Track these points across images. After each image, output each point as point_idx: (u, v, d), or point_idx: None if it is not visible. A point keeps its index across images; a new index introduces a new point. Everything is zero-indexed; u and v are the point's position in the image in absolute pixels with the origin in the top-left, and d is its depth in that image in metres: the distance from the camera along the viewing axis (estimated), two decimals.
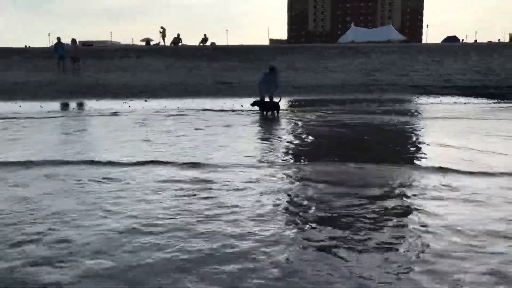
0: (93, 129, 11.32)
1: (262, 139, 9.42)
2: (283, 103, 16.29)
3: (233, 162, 6.87)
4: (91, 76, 22.87)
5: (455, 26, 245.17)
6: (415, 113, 13.70)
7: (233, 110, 14.21)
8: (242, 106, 15.67)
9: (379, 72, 25.24)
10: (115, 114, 13.45)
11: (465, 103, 16.08)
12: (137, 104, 16.27)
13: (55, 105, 16.04)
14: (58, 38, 23.88)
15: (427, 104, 16.02)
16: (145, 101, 17.20)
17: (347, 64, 27.96)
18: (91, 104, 16.43)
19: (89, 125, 11.89)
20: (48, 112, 14.01)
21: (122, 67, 25.79)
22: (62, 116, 13.30)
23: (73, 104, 16.46)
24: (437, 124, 11.28)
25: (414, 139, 9.44)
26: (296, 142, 8.87)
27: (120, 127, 10.94)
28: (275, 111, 12.98)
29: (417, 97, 18.08)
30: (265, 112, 12.98)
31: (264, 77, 13.75)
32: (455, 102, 16.38)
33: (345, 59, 29.41)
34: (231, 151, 7.79)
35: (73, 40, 23.99)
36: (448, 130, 10.12)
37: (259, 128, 10.97)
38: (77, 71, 23.48)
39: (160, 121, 11.88)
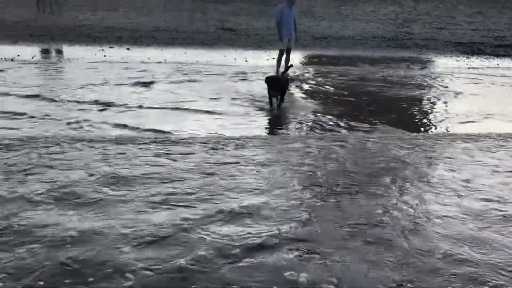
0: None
1: None
2: (301, 59, 12.99)
3: None
4: (74, 16, 19.39)
5: None
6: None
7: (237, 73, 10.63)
8: (246, 61, 12.37)
9: (413, 24, 21.39)
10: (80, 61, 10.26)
11: None
12: (116, 53, 13.01)
13: (11, 50, 12.77)
14: None
15: (487, 68, 12.47)
16: (128, 49, 13.88)
17: (374, 12, 24.03)
18: (59, 50, 13.25)
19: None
20: None
21: (113, 6, 22.19)
22: None
23: (34, 50, 13.17)
24: None
25: None
26: None
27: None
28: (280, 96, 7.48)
29: (467, 57, 14.46)
30: (273, 100, 7.32)
31: (282, 13, 9.91)
32: None
33: (372, 6, 25.41)
34: None
35: None
36: None
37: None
38: (58, 8, 19.96)
39: (112, 87, 8.70)
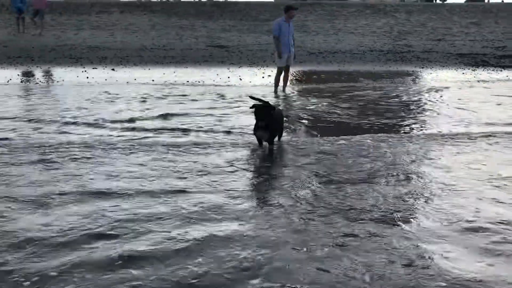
0: None
1: None
2: (297, 76, 12.14)
3: None
4: (56, 36, 18.48)
5: None
6: None
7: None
8: (240, 79, 11.49)
9: (410, 36, 20.77)
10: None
11: None
12: (100, 74, 12.10)
13: None
14: None
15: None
16: (113, 69, 12.97)
17: (368, 25, 23.39)
18: (38, 73, 12.27)
19: None
20: None
21: (98, 25, 21.30)
22: None
23: (11, 72, 12.13)
24: None
25: None
26: None
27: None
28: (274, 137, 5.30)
29: (473, 70, 13.72)
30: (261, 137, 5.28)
31: (281, 28, 9.08)
32: None
33: (364, 19, 24.78)
34: None
35: None
36: None
37: None
38: (39, 27, 18.98)
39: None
